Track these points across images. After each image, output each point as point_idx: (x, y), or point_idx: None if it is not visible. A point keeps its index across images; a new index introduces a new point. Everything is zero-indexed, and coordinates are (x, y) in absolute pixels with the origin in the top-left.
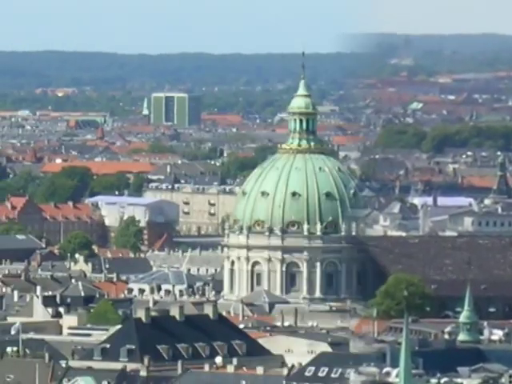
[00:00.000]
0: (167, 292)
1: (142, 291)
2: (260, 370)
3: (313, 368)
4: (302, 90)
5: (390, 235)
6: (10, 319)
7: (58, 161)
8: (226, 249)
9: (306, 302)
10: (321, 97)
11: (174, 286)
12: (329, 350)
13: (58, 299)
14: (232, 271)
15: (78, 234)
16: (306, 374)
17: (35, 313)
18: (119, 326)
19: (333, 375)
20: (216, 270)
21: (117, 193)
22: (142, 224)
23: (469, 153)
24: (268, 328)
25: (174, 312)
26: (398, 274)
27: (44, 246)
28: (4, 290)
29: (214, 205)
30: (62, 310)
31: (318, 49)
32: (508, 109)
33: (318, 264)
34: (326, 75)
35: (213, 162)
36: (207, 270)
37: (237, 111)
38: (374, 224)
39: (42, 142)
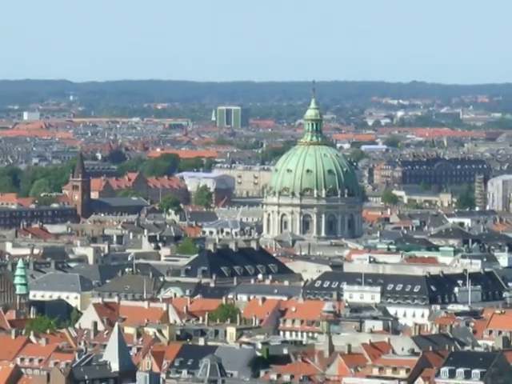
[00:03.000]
0: (227, 233)
1: (211, 233)
2: (286, 283)
3: (319, 281)
4: (313, 105)
5: None
6: (127, 250)
7: (158, 150)
8: (264, 206)
9: (315, 239)
10: (325, 109)
11: (231, 229)
12: (330, 270)
13: (157, 238)
14: (268, 220)
15: (170, 196)
16: (315, 285)
17: (143, 246)
18: (196, 255)
19: (332, 286)
20: (258, 219)
21: (195, 170)
22: (211, 190)
23: None
24: (291, 256)
25: (232, 246)
26: None
27: (149, 204)
28: (123, 231)
29: (257, 177)
30: (160, 244)
31: (323, 78)
32: None
33: (323, 215)
34: (328, 95)
35: (256, 151)
36: (253, 219)
37: (271, 118)
38: None
39: (147, 137)
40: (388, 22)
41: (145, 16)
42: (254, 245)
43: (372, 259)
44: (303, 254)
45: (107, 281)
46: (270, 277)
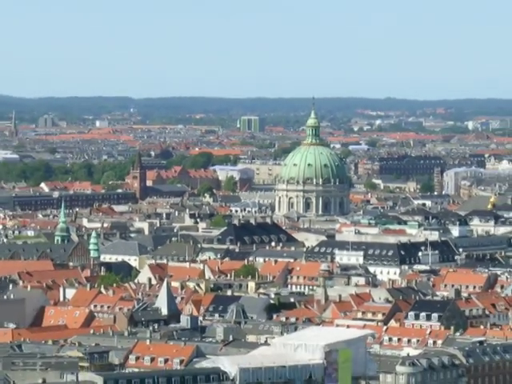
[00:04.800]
0: (248, 211)
1: (236, 211)
2: (292, 248)
3: (317, 248)
4: (312, 115)
5: None
6: (173, 224)
7: (196, 149)
8: (276, 191)
9: (314, 216)
10: (321, 118)
11: (251, 208)
12: (325, 239)
13: (196, 215)
14: (279, 201)
15: (205, 184)
16: (314, 250)
17: (185, 221)
18: (225, 228)
19: (327, 251)
20: (272, 200)
21: (224, 164)
22: (237, 179)
23: None
24: (296, 228)
25: (252, 221)
26: None
27: (190, 189)
28: (171, 210)
29: (270, 170)
30: (198, 220)
31: (321, 95)
32: None
33: (321, 198)
34: (324, 108)
35: (270, 150)
36: (267, 201)
37: (281, 125)
38: None
39: (188, 139)
40: (368, 54)
41: (188, 49)
42: (268, 220)
43: (357, 231)
44: (305, 227)
45: (159, 247)
46: (281, 244)
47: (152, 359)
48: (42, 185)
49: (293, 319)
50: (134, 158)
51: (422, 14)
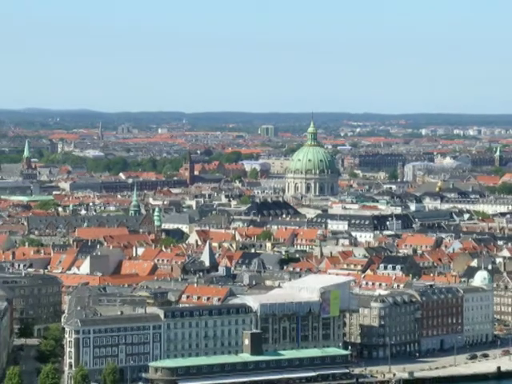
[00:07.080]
0: (266, 193)
1: (257, 192)
2: (297, 219)
3: (315, 219)
4: (311, 125)
5: None
6: (213, 202)
7: (230, 149)
8: (286, 178)
9: (313, 196)
10: (318, 127)
11: (269, 191)
12: (321, 212)
13: (230, 195)
14: (288, 186)
15: (236, 173)
16: (313, 220)
17: (222, 199)
18: (250, 204)
19: (322, 221)
20: (283, 185)
21: (250, 159)
22: (258, 170)
23: None
24: (300, 205)
25: (269, 199)
26: None
27: (225, 177)
28: (211, 192)
29: (282, 164)
30: (231, 199)
31: (318, 110)
32: None
33: (317, 183)
34: (320, 119)
35: (282, 149)
36: (280, 185)
37: (290, 132)
38: None
39: (224, 142)
40: (351, 82)
41: (224, 78)
42: (280, 199)
43: (343, 207)
44: (306, 204)
45: (203, 218)
46: (289, 216)
47: (198, 297)
48: (121, 174)
49: (298, 269)
50: (186, 155)
51: (389, 53)
